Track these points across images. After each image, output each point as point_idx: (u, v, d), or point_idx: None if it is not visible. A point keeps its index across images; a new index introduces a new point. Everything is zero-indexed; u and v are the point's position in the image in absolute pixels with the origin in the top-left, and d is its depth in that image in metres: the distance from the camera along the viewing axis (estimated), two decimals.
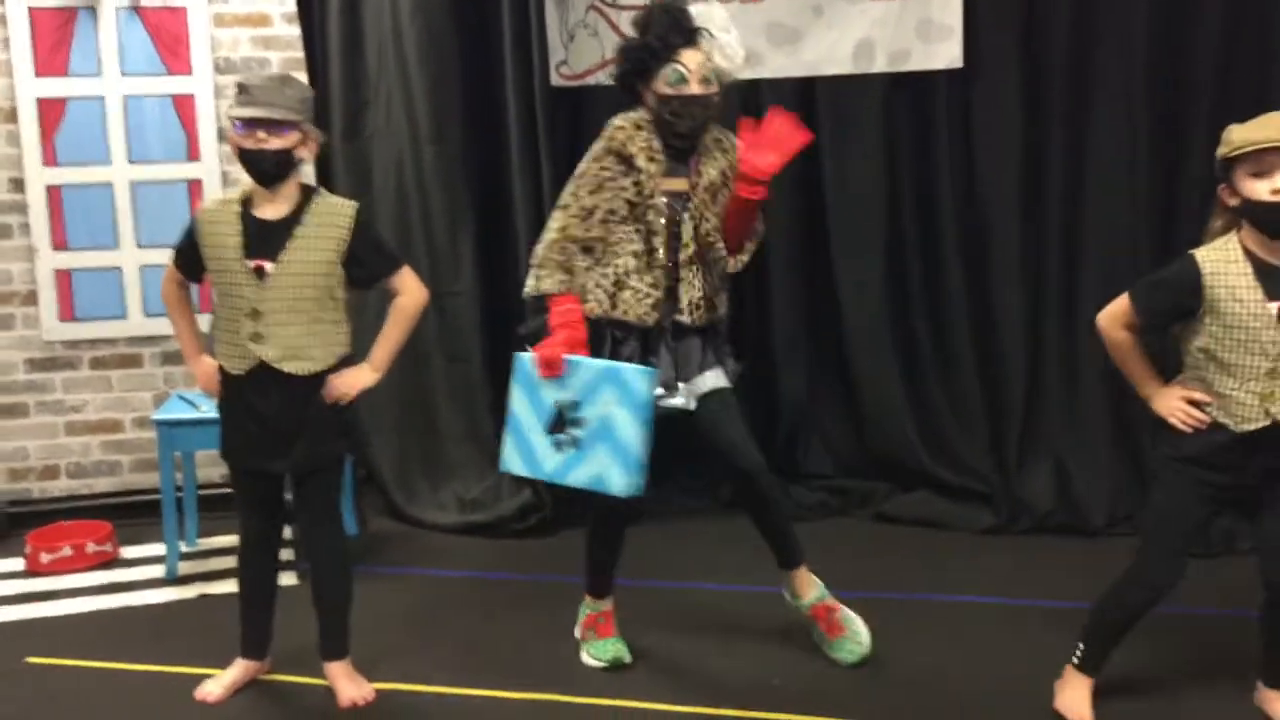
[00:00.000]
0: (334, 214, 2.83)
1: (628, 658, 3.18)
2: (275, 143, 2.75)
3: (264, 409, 2.83)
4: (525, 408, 2.95)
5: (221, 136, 4.31)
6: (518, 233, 4.35)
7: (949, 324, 4.32)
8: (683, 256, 2.98)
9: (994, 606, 3.53)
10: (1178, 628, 3.20)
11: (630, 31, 3.00)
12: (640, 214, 2.95)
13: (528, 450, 2.94)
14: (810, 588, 3.19)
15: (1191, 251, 2.62)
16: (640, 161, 2.93)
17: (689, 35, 2.91)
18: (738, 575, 3.68)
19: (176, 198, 4.36)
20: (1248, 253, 2.56)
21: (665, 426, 2.98)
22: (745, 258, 3.12)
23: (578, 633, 3.30)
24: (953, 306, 4.30)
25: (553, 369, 2.87)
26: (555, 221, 2.98)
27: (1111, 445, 4.17)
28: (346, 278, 2.87)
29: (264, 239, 2.79)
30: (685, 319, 3.00)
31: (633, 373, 2.83)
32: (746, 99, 4.25)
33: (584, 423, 2.84)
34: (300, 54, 4.42)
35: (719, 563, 3.85)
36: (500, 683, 3.11)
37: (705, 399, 3.03)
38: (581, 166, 3.00)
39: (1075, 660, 2.85)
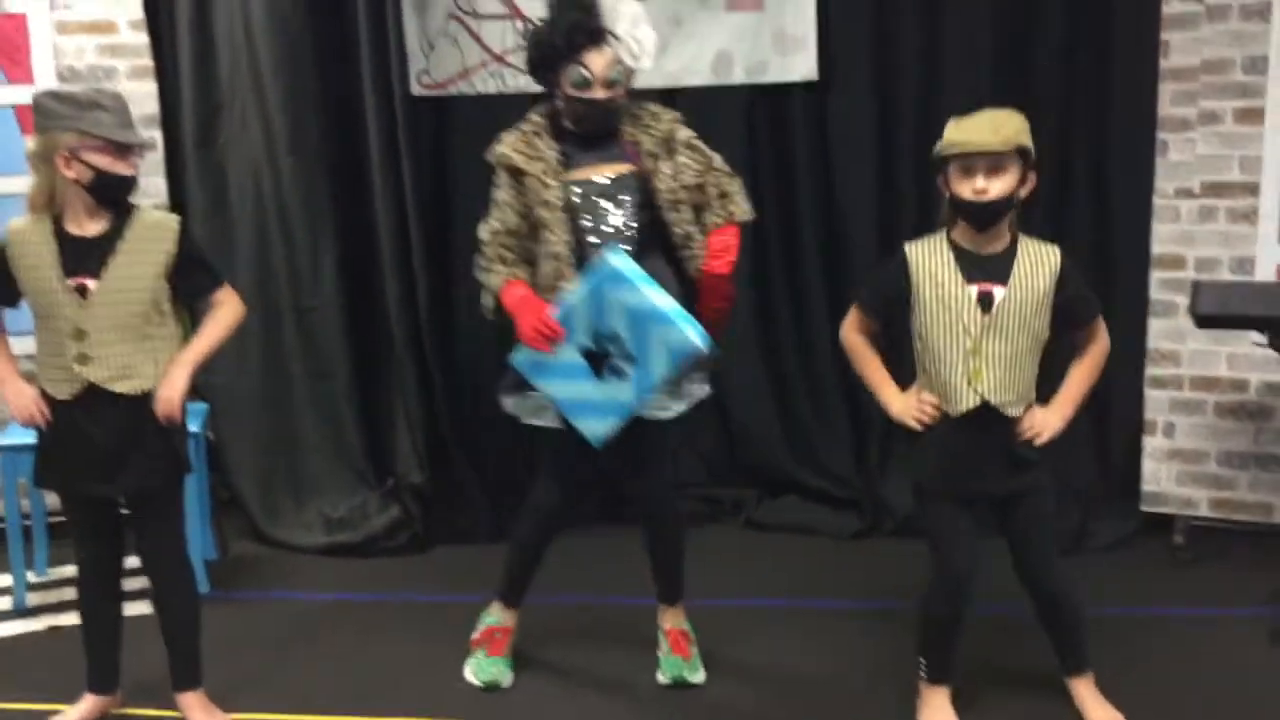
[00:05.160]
0: (157, 228, 2.76)
1: (506, 682, 3.16)
2: (137, 167, 2.70)
3: (94, 432, 2.72)
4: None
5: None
6: (380, 243, 4.28)
7: (811, 332, 4.39)
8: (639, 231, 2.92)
9: (860, 610, 3.59)
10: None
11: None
12: (537, 215, 2.90)
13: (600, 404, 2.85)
14: (676, 618, 3.23)
15: (903, 244, 2.79)
16: (523, 165, 2.91)
17: (594, 35, 2.85)
18: (619, 588, 3.69)
19: (17, 212, 4.16)
20: (952, 243, 2.72)
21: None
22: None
23: (473, 638, 3.26)
24: (814, 315, 4.37)
25: (551, 334, 2.81)
26: (483, 234, 2.97)
27: None
28: (171, 292, 2.79)
29: (82, 256, 2.69)
30: None
31: (607, 261, 2.78)
32: None
33: (620, 340, 2.79)
34: (148, 61, 4.27)
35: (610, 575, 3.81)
36: (368, 709, 3.05)
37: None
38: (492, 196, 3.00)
39: (922, 675, 2.90)
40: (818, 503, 4.34)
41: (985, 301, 2.66)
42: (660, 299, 2.77)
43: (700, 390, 3.02)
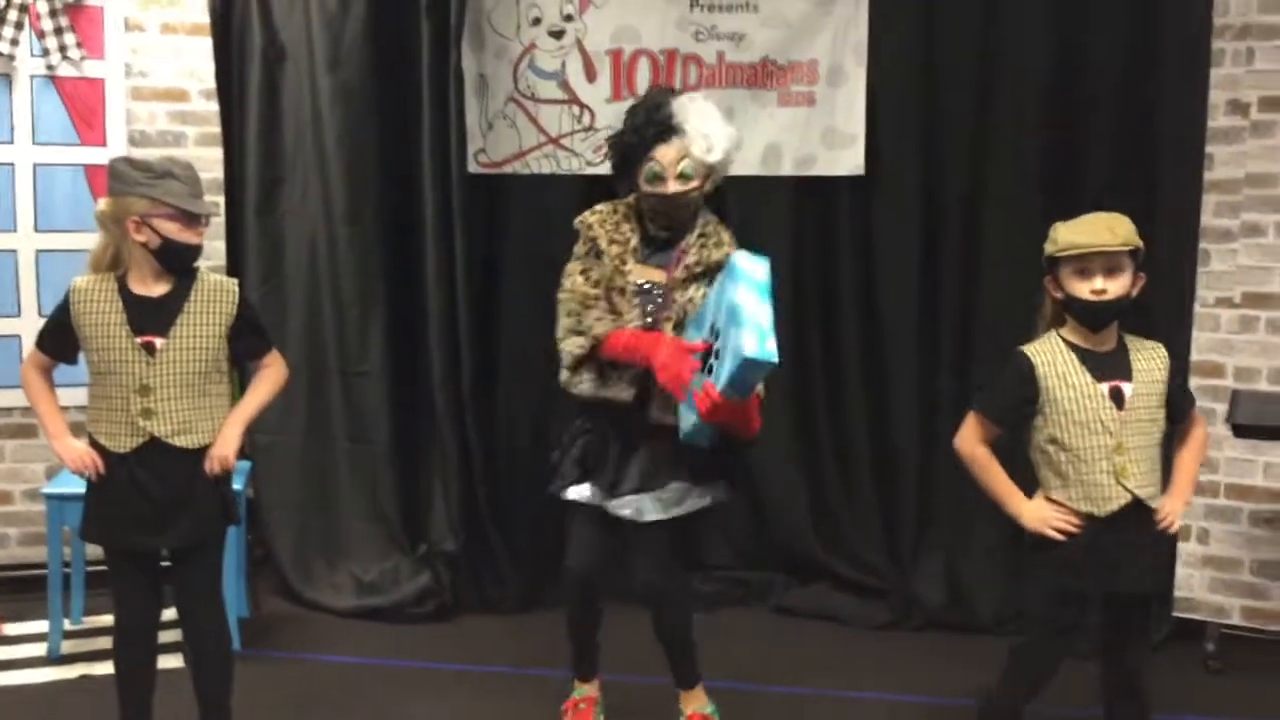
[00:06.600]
0: (220, 290, 2.87)
1: None
2: (202, 235, 2.82)
3: (151, 485, 2.79)
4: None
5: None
6: (428, 315, 4.37)
7: (847, 421, 4.43)
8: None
9: (884, 703, 3.57)
10: None
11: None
12: (612, 299, 2.97)
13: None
14: (697, 702, 3.23)
15: (1019, 348, 2.80)
16: (603, 245, 2.98)
17: (664, 130, 2.92)
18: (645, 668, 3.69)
19: (82, 268, 4.30)
20: (1069, 343, 2.74)
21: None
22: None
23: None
24: (851, 404, 4.41)
25: (682, 376, 2.80)
26: (562, 301, 3.02)
27: (999, 543, 4.26)
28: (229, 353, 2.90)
29: (149, 315, 2.79)
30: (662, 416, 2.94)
31: (731, 258, 2.82)
32: None
33: (720, 335, 2.75)
34: (216, 129, 4.42)
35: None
36: None
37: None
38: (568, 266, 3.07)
39: None
40: (847, 591, 4.33)
41: (1116, 398, 2.69)
42: (748, 299, 2.69)
43: (699, 500, 3.00)
